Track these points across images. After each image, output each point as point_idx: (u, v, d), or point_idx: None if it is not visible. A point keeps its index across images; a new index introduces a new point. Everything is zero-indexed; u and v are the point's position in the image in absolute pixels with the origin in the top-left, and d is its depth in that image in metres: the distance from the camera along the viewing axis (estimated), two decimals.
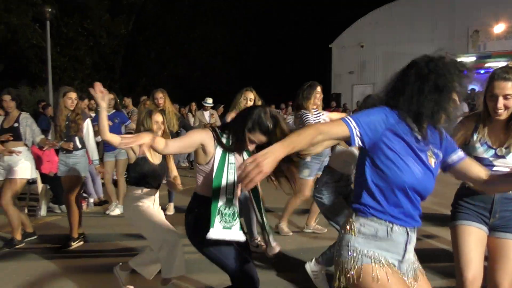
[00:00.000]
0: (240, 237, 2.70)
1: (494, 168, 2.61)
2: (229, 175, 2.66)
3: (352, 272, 1.97)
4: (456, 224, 2.72)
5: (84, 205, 7.19)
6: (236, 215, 2.68)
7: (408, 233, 2.04)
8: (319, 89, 5.44)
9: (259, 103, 5.16)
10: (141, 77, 24.96)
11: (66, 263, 4.73)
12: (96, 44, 21.32)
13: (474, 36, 19.03)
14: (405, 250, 2.05)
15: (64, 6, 19.47)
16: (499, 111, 2.58)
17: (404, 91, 1.98)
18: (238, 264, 2.74)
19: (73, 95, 5.41)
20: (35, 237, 5.54)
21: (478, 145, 2.70)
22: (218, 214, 2.62)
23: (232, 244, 2.75)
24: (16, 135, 5.23)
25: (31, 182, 6.83)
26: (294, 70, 26.82)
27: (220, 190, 2.63)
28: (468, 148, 2.70)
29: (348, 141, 1.96)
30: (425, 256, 2.93)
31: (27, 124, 5.30)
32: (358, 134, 1.93)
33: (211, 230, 2.59)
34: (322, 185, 4.13)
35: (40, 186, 6.91)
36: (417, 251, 2.18)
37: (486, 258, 2.72)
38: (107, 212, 6.87)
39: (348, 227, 2.06)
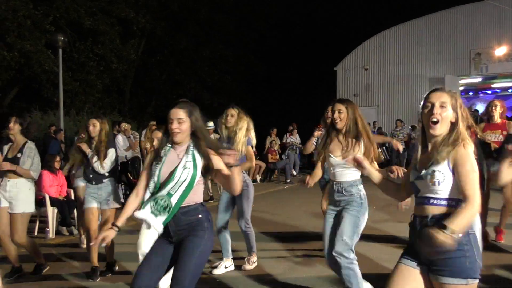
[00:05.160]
0: (159, 227, 2.96)
1: (419, 194, 2.56)
2: (181, 177, 2.97)
3: None
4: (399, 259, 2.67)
5: None
6: (168, 210, 2.94)
7: None
8: (330, 109, 5.23)
9: (244, 117, 5.33)
10: (151, 99, 25.49)
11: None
12: (107, 68, 21.84)
13: (476, 58, 19.28)
14: None
15: (76, 31, 20.08)
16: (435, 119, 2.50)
17: None
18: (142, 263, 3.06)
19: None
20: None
21: (411, 172, 2.66)
22: (154, 200, 2.95)
23: (155, 249, 3.05)
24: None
25: (40, 205, 7.15)
26: (299, 92, 27.16)
27: (166, 186, 2.96)
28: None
29: None
30: None
31: (29, 156, 5.11)
32: None
33: (140, 210, 2.97)
34: None
35: (49, 209, 7.22)
36: None
37: None
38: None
39: None
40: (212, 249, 3.09)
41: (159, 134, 4.29)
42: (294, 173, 15.33)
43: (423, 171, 2.51)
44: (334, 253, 3.85)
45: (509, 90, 22.00)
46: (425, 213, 2.50)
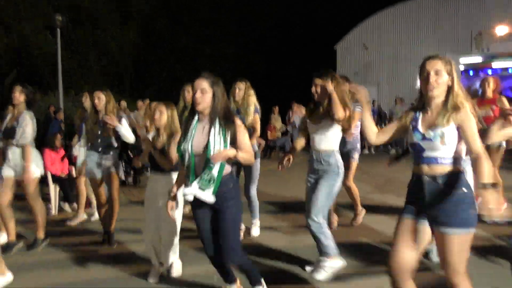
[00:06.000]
0: (210, 199, 3.17)
1: (424, 154, 2.73)
2: (215, 151, 3.14)
3: None
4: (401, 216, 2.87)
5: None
6: (212, 182, 3.15)
7: None
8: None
9: (251, 92, 5.49)
10: (150, 88, 25.49)
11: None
12: (105, 51, 21.78)
13: (477, 38, 19.17)
14: None
15: (74, 14, 19.97)
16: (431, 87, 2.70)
17: None
18: (200, 230, 3.39)
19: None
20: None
21: (410, 131, 2.82)
22: (198, 177, 3.16)
23: (203, 216, 3.32)
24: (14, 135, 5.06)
25: (42, 182, 7.16)
26: (299, 72, 27.02)
27: (206, 163, 3.17)
28: (407, 136, 2.88)
29: None
30: None
31: (21, 125, 5.04)
32: None
33: (187, 188, 3.18)
34: None
35: (51, 186, 7.26)
36: None
37: None
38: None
39: None
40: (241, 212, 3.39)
41: (162, 107, 4.31)
42: None
43: (431, 133, 2.71)
44: (307, 218, 4.12)
45: (510, 70, 21.92)
46: (433, 172, 2.71)
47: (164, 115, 4.26)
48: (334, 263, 4.15)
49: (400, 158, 3.95)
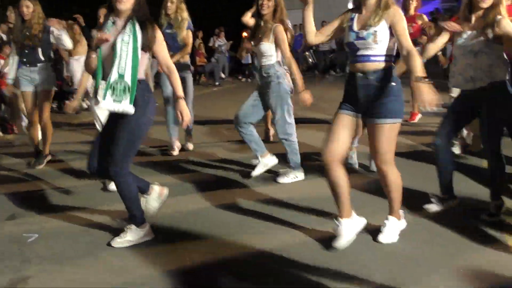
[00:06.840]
0: (130, 109, 2.94)
1: (359, 52, 2.90)
2: (122, 53, 2.90)
3: None
4: (336, 113, 3.07)
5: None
6: (128, 90, 2.91)
7: None
8: None
9: (183, 6, 5.40)
10: None
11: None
12: None
13: None
14: None
15: None
16: None
17: None
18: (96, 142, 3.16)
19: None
20: None
21: (347, 31, 2.96)
22: (110, 88, 2.90)
23: (106, 129, 3.15)
24: None
25: None
26: None
27: (113, 67, 2.90)
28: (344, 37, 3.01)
29: None
30: None
31: None
32: None
33: (102, 101, 2.93)
34: None
35: None
36: None
37: None
38: None
39: None
40: (149, 125, 3.11)
41: (105, 10, 4.10)
42: (223, 76, 15.28)
43: (364, 32, 2.86)
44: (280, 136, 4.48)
45: None
46: (365, 69, 2.89)
47: None
48: (298, 174, 4.54)
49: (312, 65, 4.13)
